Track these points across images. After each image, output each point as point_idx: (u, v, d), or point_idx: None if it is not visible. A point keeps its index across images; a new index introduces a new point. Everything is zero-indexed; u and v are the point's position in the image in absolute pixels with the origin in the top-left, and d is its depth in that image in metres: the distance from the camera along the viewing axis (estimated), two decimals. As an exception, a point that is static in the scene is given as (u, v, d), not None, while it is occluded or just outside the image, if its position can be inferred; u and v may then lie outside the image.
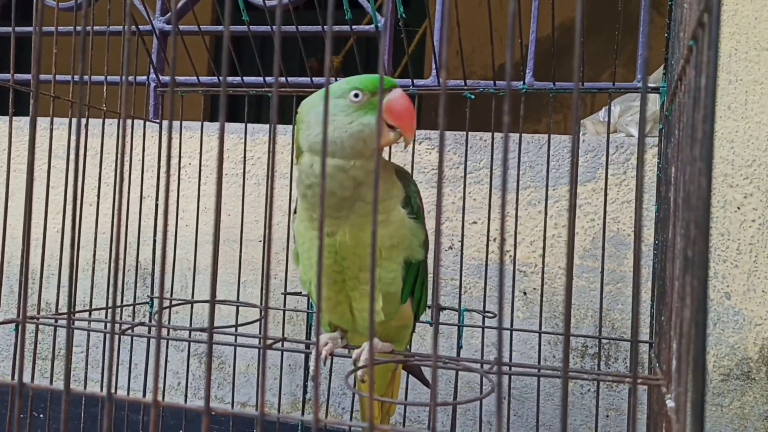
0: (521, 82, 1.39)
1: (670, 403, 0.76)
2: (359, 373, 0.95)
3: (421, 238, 0.98)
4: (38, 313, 1.25)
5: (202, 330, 1.20)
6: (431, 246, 1.02)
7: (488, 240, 1.36)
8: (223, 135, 0.56)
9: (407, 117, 0.91)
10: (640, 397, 1.39)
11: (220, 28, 1.78)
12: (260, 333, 1.33)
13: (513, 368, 1.19)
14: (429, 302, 1.10)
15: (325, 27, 1.51)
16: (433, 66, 1.42)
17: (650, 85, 1.31)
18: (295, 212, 1.02)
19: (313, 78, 1.51)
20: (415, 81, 1.43)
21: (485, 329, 1.35)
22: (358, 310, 0.98)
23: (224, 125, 0.57)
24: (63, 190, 1.26)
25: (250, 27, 1.40)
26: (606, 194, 1.31)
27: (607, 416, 1.43)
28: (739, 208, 1.36)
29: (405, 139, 0.92)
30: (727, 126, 1.37)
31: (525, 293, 1.48)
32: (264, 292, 0.54)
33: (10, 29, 1.09)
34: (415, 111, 0.95)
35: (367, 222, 0.92)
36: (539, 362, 1.36)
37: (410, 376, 1.36)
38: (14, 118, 1.08)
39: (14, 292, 1.73)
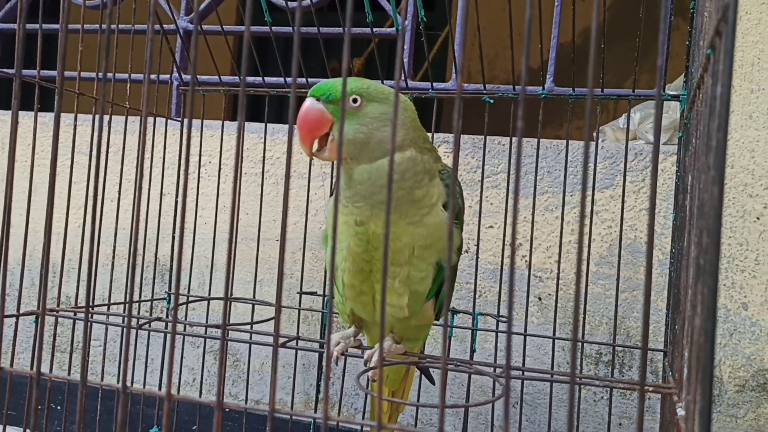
0: (541, 88, 1.39)
1: (681, 412, 0.76)
2: (370, 373, 0.95)
3: (458, 243, 0.99)
4: (58, 306, 1.27)
5: (216, 327, 1.22)
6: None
7: (504, 244, 1.36)
8: (241, 134, 0.57)
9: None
10: (653, 405, 1.38)
11: (242, 28, 1.80)
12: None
13: (524, 373, 1.19)
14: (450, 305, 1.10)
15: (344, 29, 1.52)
16: (453, 70, 1.43)
17: (671, 92, 1.30)
18: (331, 194, 1.03)
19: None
20: (434, 84, 1.44)
21: (499, 333, 1.36)
22: (380, 302, 0.97)
23: (243, 124, 0.58)
24: (85, 186, 1.27)
25: (273, 28, 1.42)
26: (623, 201, 1.30)
27: (620, 424, 1.42)
28: (758, 218, 1.35)
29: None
30: (748, 135, 1.36)
31: (540, 298, 1.48)
32: (277, 290, 0.55)
33: (37, 26, 1.11)
34: (303, 119, 0.90)
35: (400, 219, 0.90)
36: (552, 368, 1.36)
37: (422, 377, 1.37)
38: (39, 113, 1.10)
39: (35, 285, 1.76)
